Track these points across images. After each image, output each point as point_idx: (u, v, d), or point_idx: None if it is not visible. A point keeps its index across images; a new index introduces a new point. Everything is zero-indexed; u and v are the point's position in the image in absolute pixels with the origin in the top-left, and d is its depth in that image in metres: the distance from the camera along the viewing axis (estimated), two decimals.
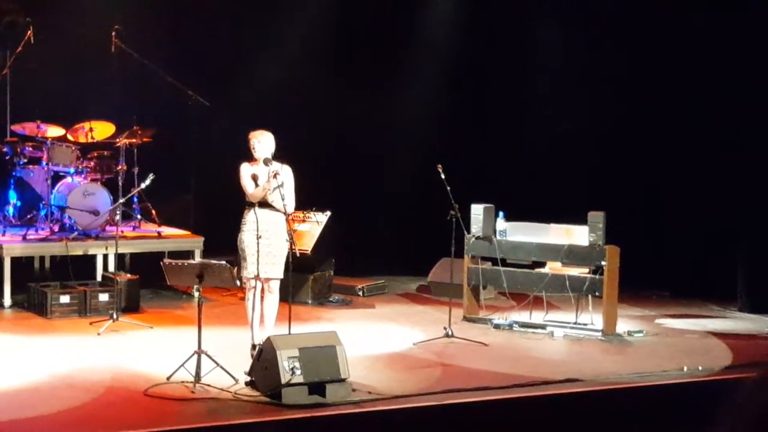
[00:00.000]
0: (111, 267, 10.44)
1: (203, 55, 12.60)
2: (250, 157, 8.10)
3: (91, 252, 10.50)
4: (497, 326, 9.61)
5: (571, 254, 9.46)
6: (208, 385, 7.16)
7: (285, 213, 7.96)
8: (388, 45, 13.10)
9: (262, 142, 8.03)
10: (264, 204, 7.97)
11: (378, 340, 9.07)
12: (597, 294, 9.39)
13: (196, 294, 7.54)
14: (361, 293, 11.24)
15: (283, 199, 7.85)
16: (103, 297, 9.74)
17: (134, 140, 11.15)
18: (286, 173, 8.06)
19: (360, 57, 12.98)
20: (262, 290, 8.08)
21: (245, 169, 8.07)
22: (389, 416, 6.89)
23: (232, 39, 12.83)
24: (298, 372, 6.92)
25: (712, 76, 11.19)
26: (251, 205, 8.00)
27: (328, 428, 6.77)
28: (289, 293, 8.04)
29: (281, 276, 8.06)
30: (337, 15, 12.71)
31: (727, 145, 11.07)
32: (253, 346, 8.00)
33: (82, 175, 10.91)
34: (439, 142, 12.34)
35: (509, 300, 10.29)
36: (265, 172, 7.98)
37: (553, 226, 9.70)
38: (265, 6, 12.88)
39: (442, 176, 9.04)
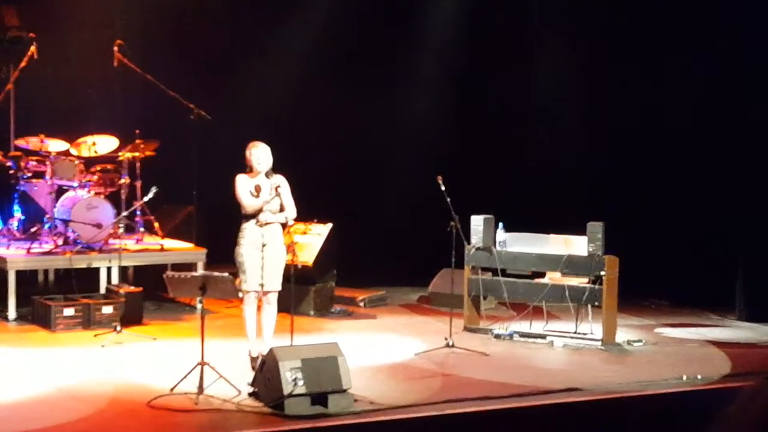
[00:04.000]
0: (114, 280, 10.50)
1: (205, 69, 12.69)
2: (246, 169, 8.17)
3: (94, 265, 10.55)
4: (498, 336, 9.66)
5: (570, 264, 9.52)
6: (212, 397, 7.20)
7: (286, 222, 8.05)
8: (387, 56, 13.17)
9: (263, 154, 8.09)
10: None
11: (379, 351, 9.11)
12: (596, 304, 9.44)
13: (199, 306, 7.60)
14: (362, 304, 11.29)
15: (283, 210, 7.98)
16: (107, 309, 9.80)
17: (137, 154, 11.22)
18: (283, 183, 8.14)
19: (359, 69, 13.05)
20: (259, 301, 8.15)
21: (243, 182, 8.09)
22: (391, 427, 6.93)
23: (233, 52, 12.92)
24: (300, 383, 6.96)
25: (711, 83, 11.26)
26: (248, 217, 8.06)
27: None
28: (291, 305, 8.11)
29: (280, 288, 8.12)
30: (337, 26, 12.77)
31: (725, 154, 11.13)
32: (252, 358, 8.08)
33: (86, 189, 10.97)
34: (439, 153, 12.39)
35: (509, 310, 10.33)
36: (268, 185, 8.05)
37: (552, 236, 9.75)
38: (266, 17, 12.96)
39: (442, 188, 9.10)
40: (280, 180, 8.07)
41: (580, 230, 9.50)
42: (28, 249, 10.50)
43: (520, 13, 12.76)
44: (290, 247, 8.21)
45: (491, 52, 12.92)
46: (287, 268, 8.11)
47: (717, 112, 11.24)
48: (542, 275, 9.88)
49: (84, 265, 10.50)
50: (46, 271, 11.37)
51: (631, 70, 12.08)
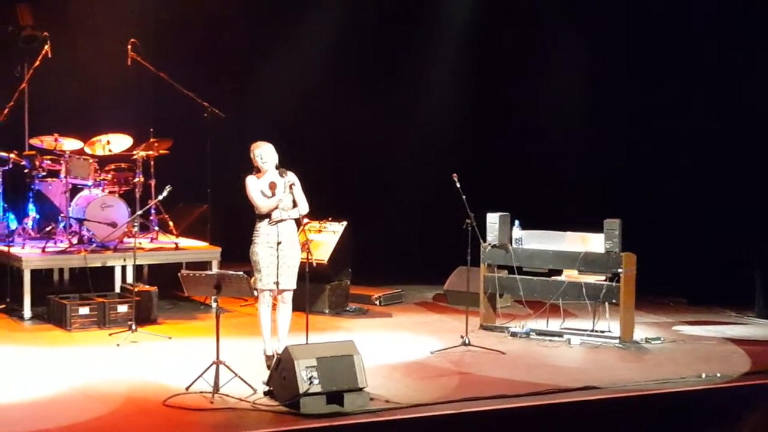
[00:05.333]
0: (129, 278, 10.50)
1: (219, 68, 12.69)
2: (253, 170, 8.13)
3: (109, 264, 10.56)
4: (514, 334, 9.62)
5: (587, 262, 9.46)
6: (227, 395, 7.19)
7: (300, 219, 8.04)
8: (402, 53, 13.14)
9: (266, 152, 8.08)
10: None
11: (395, 349, 9.08)
12: (614, 301, 9.38)
13: (214, 305, 7.60)
14: (377, 302, 11.25)
15: (296, 206, 7.99)
16: (122, 308, 9.81)
17: (151, 152, 11.22)
18: (295, 180, 8.11)
19: (374, 65, 13.03)
20: (274, 299, 8.12)
21: (253, 183, 8.08)
22: (407, 425, 6.91)
23: (246, 50, 12.92)
24: (316, 381, 6.95)
25: (726, 81, 11.18)
26: (262, 216, 8.04)
27: None
28: (307, 303, 8.09)
29: (295, 286, 8.11)
30: (350, 24, 12.76)
31: (743, 151, 11.05)
32: (267, 357, 8.06)
33: (100, 188, 10.98)
34: (454, 151, 12.36)
35: (526, 308, 10.27)
36: (282, 183, 8.04)
37: (569, 233, 9.70)
38: (278, 16, 12.95)
39: (458, 185, 9.06)
40: (292, 178, 8.06)
41: (597, 227, 9.44)
42: (43, 248, 10.51)
43: (532, 11, 12.70)
44: (305, 246, 8.20)
45: (501, 50, 12.86)
46: (302, 266, 8.10)
47: (733, 107, 11.15)
48: (559, 273, 9.82)
49: (99, 264, 10.51)
50: (61, 270, 11.40)
51: (643, 66, 12.00)
